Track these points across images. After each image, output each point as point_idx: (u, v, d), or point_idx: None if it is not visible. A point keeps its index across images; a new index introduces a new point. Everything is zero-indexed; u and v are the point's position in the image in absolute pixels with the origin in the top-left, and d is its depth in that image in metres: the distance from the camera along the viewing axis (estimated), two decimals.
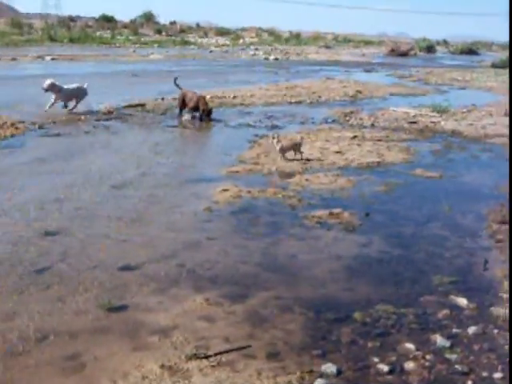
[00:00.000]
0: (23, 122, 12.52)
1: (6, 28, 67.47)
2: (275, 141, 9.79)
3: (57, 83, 14.19)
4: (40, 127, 12.16)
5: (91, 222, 6.66)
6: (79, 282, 5.13)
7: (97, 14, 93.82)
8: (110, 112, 14.36)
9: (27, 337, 4.22)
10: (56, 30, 65.08)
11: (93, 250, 5.82)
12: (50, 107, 14.10)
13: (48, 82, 14.11)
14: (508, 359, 4.18)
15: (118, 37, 69.66)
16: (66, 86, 14.39)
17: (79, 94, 14.68)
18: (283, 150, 9.79)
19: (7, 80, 21.38)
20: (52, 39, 58.89)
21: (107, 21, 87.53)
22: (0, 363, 3.90)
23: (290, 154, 9.89)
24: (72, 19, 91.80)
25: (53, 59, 34.11)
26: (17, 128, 11.82)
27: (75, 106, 14.58)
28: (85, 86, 14.78)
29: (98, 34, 70.31)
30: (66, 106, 14.56)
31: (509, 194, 7.78)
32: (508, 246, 6.23)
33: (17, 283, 5.05)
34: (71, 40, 59.79)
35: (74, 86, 14.65)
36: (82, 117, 13.52)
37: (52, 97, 14.21)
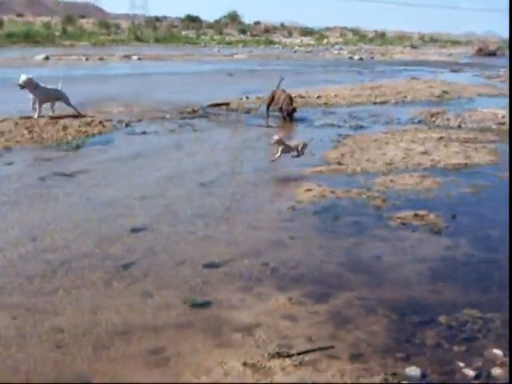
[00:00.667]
0: (110, 120, 12.79)
1: (94, 28, 69.11)
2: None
3: (34, 80, 12.58)
4: (127, 125, 12.41)
5: (177, 219, 6.74)
6: (164, 277, 5.20)
7: (182, 14, 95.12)
8: (194, 111, 14.53)
9: (113, 330, 4.30)
10: (142, 30, 66.28)
11: (178, 247, 5.88)
12: (37, 113, 12.48)
13: (23, 77, 12.48)
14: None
15: (203, 37, 70.50)
16: (43, 85, 12.72)
17: (56, 95, 13.01)
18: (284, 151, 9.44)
19: (95, 79, 21.85)
20: (138, 39, 60.03)
21: (192, 21, 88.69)
22: (88, 355, 3.99)
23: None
24: (158, 19, 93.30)
25: (139, 59, 34.74)
26: (104, 126, 12.10)
27: (53, 111, 12.92)
28: (59, 87, 13.07)
29: (183, 33, 71.32)
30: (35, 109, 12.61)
31: (509, 195, 7.61)
32: (508, 246, 6.09)
33: (104, 277, 5.15)
34: (157, 40, 60.81)
35: (51, 86, 12.97)
36: (168, 115, 13.71)
37: (30, 96, 12.70)
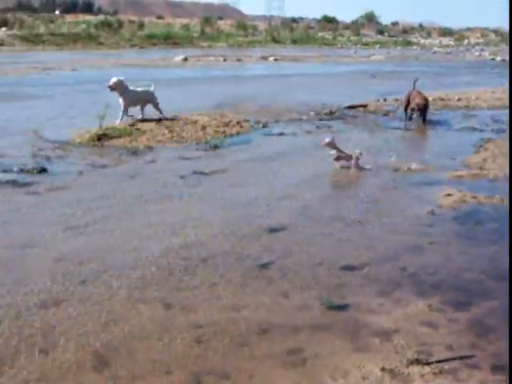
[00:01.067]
0: (248, 120, 12.97)
1: (231, 29, 70.33)
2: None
3: (124, 82, 12.24)
4: (264, 126, 12.54)
5: (314, 220, 6.74)
6: (301, 278, 5.20)
7: (319, 15, 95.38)
8: (331, 112, 14.51)
9: (252, 328, 4.35)
10: (279, 32, 66.87)
11: (315, 248, 5.88)
12: (119, 119, 12.09)
13: (114, 79, 12.18)
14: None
15: (339, 38, 70.30)
16: (132, 88, 12.42)
17: (147, 98, 12.67)
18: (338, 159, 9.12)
19: (232, 79, 22.23)
20: (275, 40, 60.63)
21: (328, 22, 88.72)
22: (227, 352, 4.06)
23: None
24: (294, 20, 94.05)
25: (276, 60, 35.07)
26: (242, 126, 12.28)
27: (143, 115, 12.61)
28: (151, 89, 12.79)
29: (319, 35, 71.40)
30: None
31: (509, 191, 7.28)
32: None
33: (242, 276, 5.22)
34: (293, 41, 61.23)
35: (142, 88, 12.73)
36: (305, 116, 13.75)
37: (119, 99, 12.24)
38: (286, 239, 6.12)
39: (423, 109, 13.16)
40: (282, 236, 6.21)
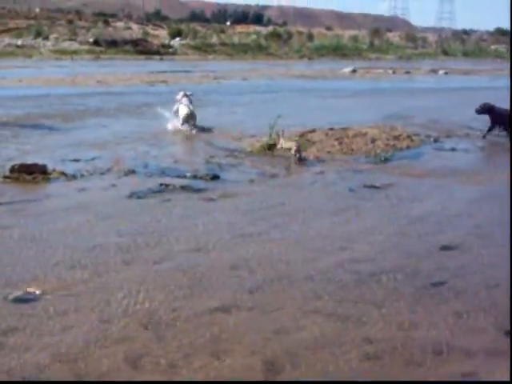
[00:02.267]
0: (418, 134, 12.76)
1: (400, 41, 69.45)
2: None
3: (188, 94, 13.10)
4: (435, 140, 12.29)
5: (488, 240, 6.54)
6: (475, 299, 5.05)
7: (491, 28, 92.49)
8: (506, 129, 13.93)
9: (424, 349, 4.25)
10: (449, 44, 65.35)
11: (490, 269, 5.69)
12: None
13: (181, 93, 13.18)
14: None
15: None
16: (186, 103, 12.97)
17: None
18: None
19: (401, 92, 21.96)
20: (445, 53, 59.26)
21: (502, 34, 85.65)
22: (398, 370, 4.00)
23: None
24: (466, 32, 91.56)
25: (446, 73, 34.28)
26: (412, 140, 12.09)
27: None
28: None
29: (492, 47, 69.07)
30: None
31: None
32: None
33: (413, 294, 5.13)
34: (465, 54, 59.60)
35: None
36: (478, 132, 13.30)
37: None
38: (458, 258, 5.98)
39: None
40: (455, 254, 6.07)
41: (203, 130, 12.61)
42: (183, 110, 12.62)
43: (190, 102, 12.91)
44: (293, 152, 10.02)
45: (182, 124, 12.51)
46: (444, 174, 9.45)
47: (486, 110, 13.12)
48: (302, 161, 9.95)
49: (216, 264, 5.63)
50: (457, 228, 6.91)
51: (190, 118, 12.53)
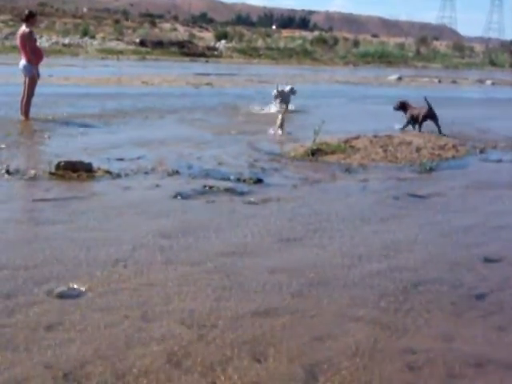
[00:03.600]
0: (464, 144, 12.64)
1: (447, 50, 68.95)
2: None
3: (286, 91, 16.98)
4: (481, 151, 12.15)
5: None
6: None
7: None
8: None
9: (466, 360, 4.21)
10: (497, 54, 64.68)
11: None
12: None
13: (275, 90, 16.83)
14: None
15: None
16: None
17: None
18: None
19: (447, 102, 21.74)
20: (493, 63, 58.69)
21: None
22: (439, 381, 3.96)
23: None
24: None
25: (493, 84, 33.93)
26: (458, 150, 11.97)
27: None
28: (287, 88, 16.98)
29: None
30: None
31: None
32: None
33: (455, 305, 5.08)
34: None
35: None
36: None
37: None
38: (502, 270, 5.89)
39: None
40: (499, 267, 5.99)
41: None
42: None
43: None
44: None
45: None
46: (489, 186, 9.35)
47: (400, 106, 14.39)
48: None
49: (257, 267, 5.63)
50: (501, 240, 6.82)
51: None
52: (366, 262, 5.89)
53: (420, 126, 13.97)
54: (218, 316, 4.62)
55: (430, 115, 13.76)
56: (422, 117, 13.84)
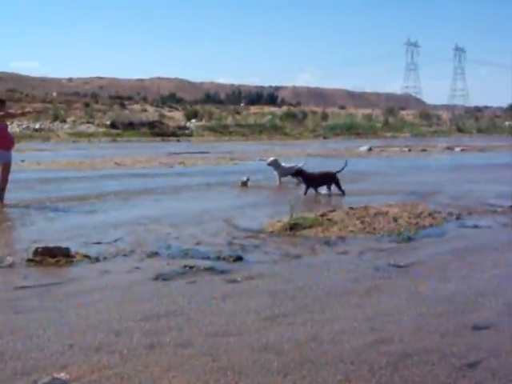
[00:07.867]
0: (439, 212, 12.72)
1: (414, 119, 70.30)
2: None
3: (278, 161, 17.85)
4: (457, 218, 12.22)
5: None
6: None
7: (505, 104, 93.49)
8: None
9: None
10: (464, 121, 66.04)
11: None
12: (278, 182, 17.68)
13: (271, 158, 18.06)
14: None
15: None
16: (283, 164, 17.77)
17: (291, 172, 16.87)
18: None
19: (418, 170, 22.04)
20: (460, 130, 59.86)
21: None
22: None
23: None
24: (479, 109, 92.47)
25: (462, 150, 34.51)
26: (434, 218, 12.03)
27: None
28: (300, 165, 16.81)
29: (506, 124, 69.60)
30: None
31: None
32: None
33: (448, 375, 5.01)
34: (479, 130, 60.17)
35: (291, 165, 17.61)
36: (499, 209, 13.26)
37: (274, 172, 17.80)
38: (492, 338, 5.84)
39: None
40: (487, 334, 5.93)
41: None
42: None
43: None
44: None
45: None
46: (469, 252, 9.38)
47: (296, 173, 15.99)
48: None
49: (243, 347, 5.53)
50: (486, 307, 6.78)
51: None
52: (352, 336, 5.80)
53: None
54: None
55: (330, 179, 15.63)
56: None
